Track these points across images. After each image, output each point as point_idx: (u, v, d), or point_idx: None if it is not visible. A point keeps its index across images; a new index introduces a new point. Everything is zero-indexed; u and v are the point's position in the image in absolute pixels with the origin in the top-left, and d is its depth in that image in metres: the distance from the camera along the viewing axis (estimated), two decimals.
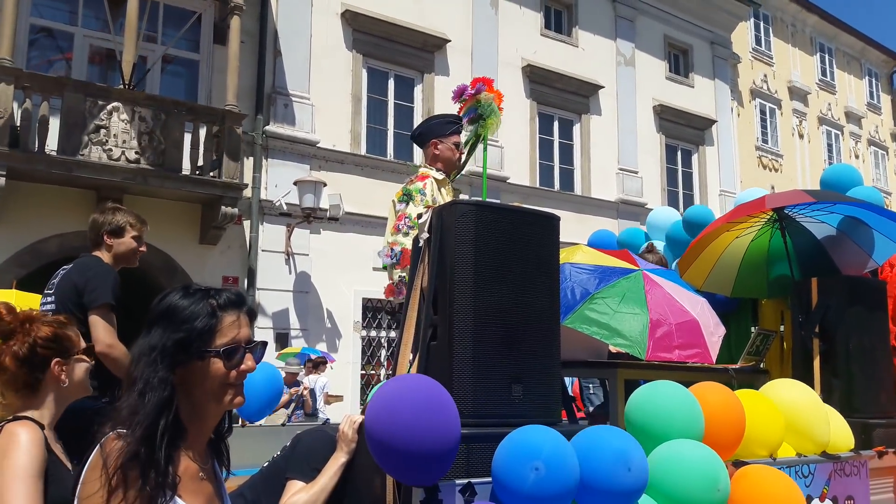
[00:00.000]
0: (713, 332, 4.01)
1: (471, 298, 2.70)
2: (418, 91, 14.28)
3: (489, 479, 2.39)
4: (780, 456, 3.30)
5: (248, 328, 1.80)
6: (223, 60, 11.66)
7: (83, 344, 2.43)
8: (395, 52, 13.92)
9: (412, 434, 2.12)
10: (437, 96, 14.25)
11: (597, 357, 4.16)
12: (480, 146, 3.88)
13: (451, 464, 2.28)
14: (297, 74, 12.79)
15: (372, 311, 13.05)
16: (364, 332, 12.92)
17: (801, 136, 22.61)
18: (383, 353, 12.98)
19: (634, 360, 3.93)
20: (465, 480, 2.39)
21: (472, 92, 3.56)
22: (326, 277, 12.54)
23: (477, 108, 3.55)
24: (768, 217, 4.90)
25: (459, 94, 3.63)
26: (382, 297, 4.05)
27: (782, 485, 2.88)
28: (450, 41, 14.51)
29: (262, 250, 12.20)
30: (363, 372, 12.70)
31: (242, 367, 1.75)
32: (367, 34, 13.59)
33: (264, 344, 1.86)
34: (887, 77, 27.31)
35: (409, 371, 2.80)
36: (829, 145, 23.72)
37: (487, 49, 15.09)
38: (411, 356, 2.85)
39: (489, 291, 2.73)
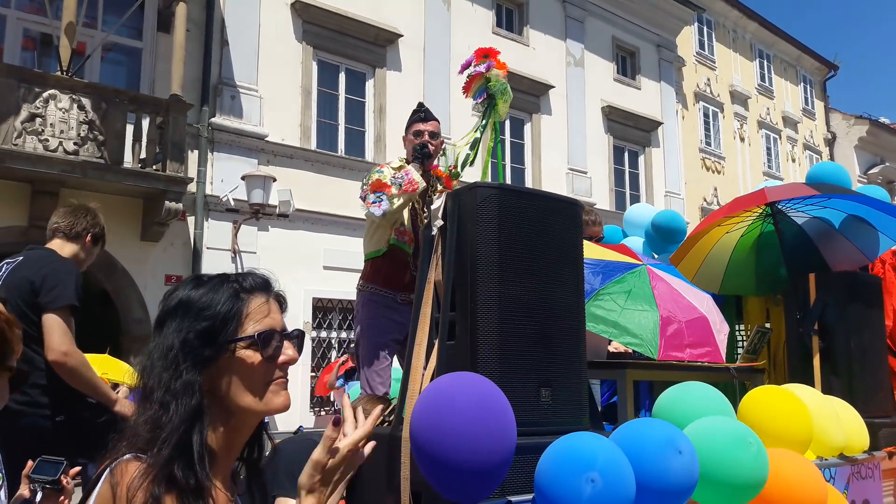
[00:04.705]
0: (720, 329, 3.82)
1: (495, 292, 2.42)
2: (370, 86, 13.90)
3: (530, 495, 2.12)
4: None
5: (280, 315, 1.48)
6: (168, 49, 11.09)
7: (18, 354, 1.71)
8: (346, 46, 13.52)
9: (467, 443, 1.84)
10: (389, 91, 13.91)
11: (594, 356, 3.93)
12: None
13: (502, 478, 2.00)
14: (245, 65, 12.29)
15: (322, 311, 12.64)
16: (315, 333, 12.49)
17: (741, 139, 23.00)
18: (334, 353, 12.57)
19: (641, 359, 3.72)
20: (503, 499, 2.11)
21: (482, 69, 3.16)
22: (275, 276, 12.04)
23: (486, 88, 3.18)
24: (760, 212, 4.76)
25: (465, 68, 3.26)
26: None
27: (801, 466, 2.68)
28: (402, 36, 14.19)
29: (207, 248, 11.66)
30: (313, 374, 12.26)
31: (282, 357, 1.43)
32: (317, 26, 13.16)
33: (302, 333, 1.53)
34: (820, 84, 28.10)
35: (423, 375, 2.51)
36: (768, 149, 24.23)
37: (440, 45, 14.82)
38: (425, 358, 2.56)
39: (515, 284, 2.46)
